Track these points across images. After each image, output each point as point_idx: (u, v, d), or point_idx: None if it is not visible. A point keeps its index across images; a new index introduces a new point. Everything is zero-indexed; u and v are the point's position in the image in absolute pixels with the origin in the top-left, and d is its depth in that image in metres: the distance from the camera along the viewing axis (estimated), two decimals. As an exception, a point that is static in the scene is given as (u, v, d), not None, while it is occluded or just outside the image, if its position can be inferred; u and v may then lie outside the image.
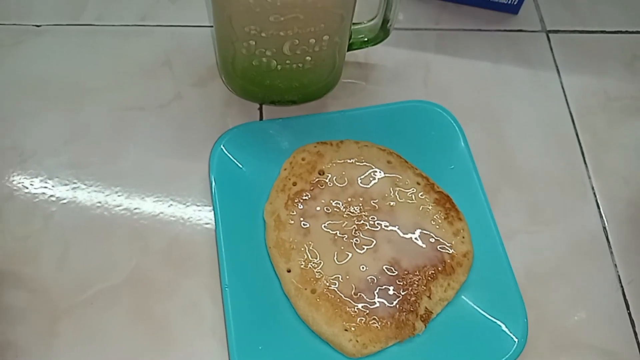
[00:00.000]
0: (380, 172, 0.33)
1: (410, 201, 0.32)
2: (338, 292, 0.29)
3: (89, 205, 0.32)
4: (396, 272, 0.30)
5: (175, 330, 0.29)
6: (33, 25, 0.39)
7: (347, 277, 0.30)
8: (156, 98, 0.36)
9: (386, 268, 0.30)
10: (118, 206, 0.32)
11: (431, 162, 0.34)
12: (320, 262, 0.30)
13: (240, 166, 0.33)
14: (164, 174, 0.34)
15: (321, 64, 0.33)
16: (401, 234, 0.31)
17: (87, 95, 0.36)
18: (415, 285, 0.30)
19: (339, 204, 0.31)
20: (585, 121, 0.37)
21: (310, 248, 0.30)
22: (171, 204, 0.33)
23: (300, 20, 0.28)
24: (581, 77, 0.36)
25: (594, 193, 0.35)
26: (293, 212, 0.31)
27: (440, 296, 0.30)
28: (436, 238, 0.31)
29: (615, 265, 0.33)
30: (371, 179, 0.32)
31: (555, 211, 0.34)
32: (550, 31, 0.41)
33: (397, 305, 0.29)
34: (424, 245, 0.31)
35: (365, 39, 0.35)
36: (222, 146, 0.33)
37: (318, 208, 0.31)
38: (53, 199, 0.32)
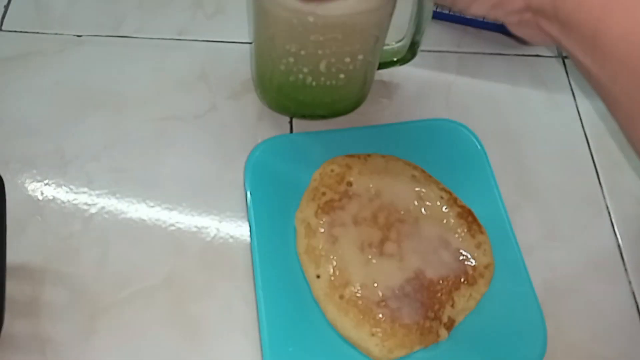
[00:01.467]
0: (405, 185, 0.34)
1: (434, 214, 0.33)
2: (365, 298, 0.30)
3: (127, 209, 0.34)
4: (421, 282, 0.31)
5: (210, 331, 0.30)
6: (74, 35, 0.41)
7: (375, 284, 0.31)
8: (192, 109, 0.38)
9: (412, 277, 0.31)
10: (155, 210, 0.34)
11: (454, 178, 0.35)
12: (348, 270, 0.31)
13: (273, 176, 0.34)
14: (200, 180, 0.35)
15: (353, 81, 0.34)
16: (426, 245, 0.32)
17: (126, 104, 0.38)
18: (439, 294, 0.31)
19: (366, 214, 0.33)
20: (599, 143, 0.39)
21: (339, 255, 0.31)
22: (206, 210, 0.34)
23: (338, 40, 0.30)
24: (596, 100, 0.38)
25: (609, 212, 0.37)
26: (322, 220, 0.32)
27: (462, 306, 0.31)
28: (459, 250, 0.32)
29: (630, 282, 0.34)
30: (397, 191, 0.34)
31: (571, 228, 0.36)
32: (565, 57, 0.43)
33: (422, 313, 0.30)
34: (447, 257, 0.32)
35: (394, 59, 0.37)
36: (256, 156, 0.34)
37: (346, 217, 0.33)
38: (93, 201, 0.34)
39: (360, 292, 0.30)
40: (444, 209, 0.34)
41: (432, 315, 0.30)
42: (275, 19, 0.30)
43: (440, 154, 0.36)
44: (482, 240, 0.33)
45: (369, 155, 0.35)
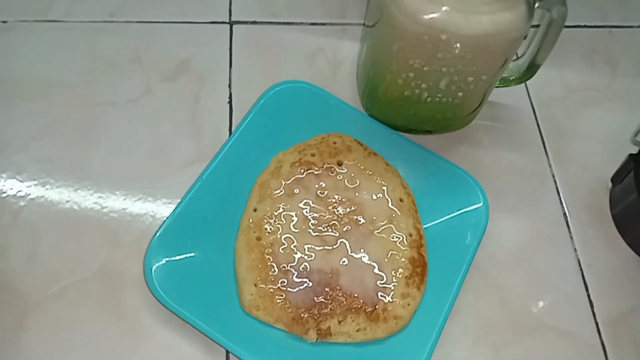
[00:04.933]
0: (386, 201, 0.32)
1: (390, 241, 0.31)
2: (275, 254, 0.30)
3: (58, 200, 0.32)
4: (330, 282, 0.30)
5: (146, 321, 0.29)
6: (0, 21, 0.38)
7: (293, 251, 0.30)
8: (126, 93, 0.36)
9: (326, 272, 0.30)
10: (88, 200, 0.32)
11: (438, 227, 0.32)
12: (282, 224, 0.31)
13: (282, 114, 0.34)
14: (134, 167, 0.34)
15: (469, 100, 0.33)
16: (360, 258, 0.31)
17: (56, 92, 0.36)
18: (336, 303, 0.29)
19: (334, 197, 0.32)
20: (546, 112, 0.39)
21: (285, 208, 0.31)
22: (142, 197, 0.33)
23: (466, 59, 0.29)
24: (542, 69, 0.37)
25: (555, 180, 0.36)
26: (294, 172, 0.32)
27: (348, 330, 0.29)
28: (385, 286, 0.30)
29: (575, 249, 0.34)
30: (374, 200, 0.32)
31: (517, 198, 0.35)
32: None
33: (308, 305, 0.29)
34: (370, 282, 0.30)
35: (511, 78, 0.35)
36: (275, 90, 0.35)
37: (315, 186, 0.32)
38: (22, 194, 0.32)
39: (276, 246, 0.30)
40: (403, 244, 0.31)
41: (315, 313, 0.29)
42: (405, 33, 0.28)
43: (441, 200, 0.33)
44: (413, 295, 0.30)
45: (375, 154, 0.34)
